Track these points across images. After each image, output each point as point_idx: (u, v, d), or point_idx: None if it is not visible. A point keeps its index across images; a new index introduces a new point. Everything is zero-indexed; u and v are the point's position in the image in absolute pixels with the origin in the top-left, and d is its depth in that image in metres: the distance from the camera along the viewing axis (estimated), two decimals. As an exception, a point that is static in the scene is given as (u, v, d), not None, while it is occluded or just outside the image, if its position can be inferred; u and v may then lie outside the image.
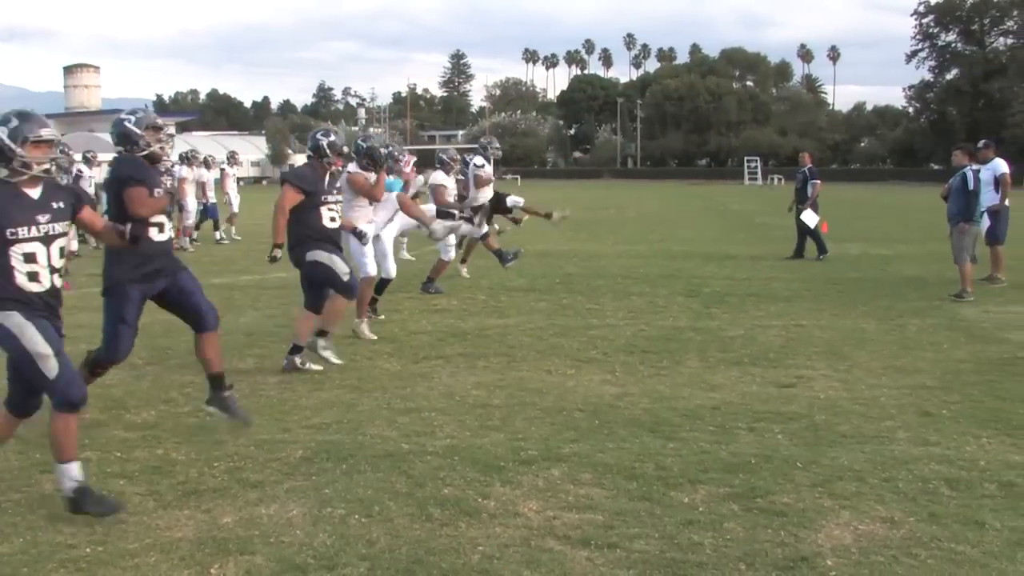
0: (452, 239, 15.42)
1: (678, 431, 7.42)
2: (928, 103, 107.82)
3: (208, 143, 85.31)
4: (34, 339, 5.64)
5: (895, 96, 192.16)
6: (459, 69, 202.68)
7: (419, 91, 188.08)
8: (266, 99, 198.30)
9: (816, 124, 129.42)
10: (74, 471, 5.72)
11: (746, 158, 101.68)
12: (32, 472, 6.51)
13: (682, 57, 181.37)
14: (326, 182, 9.62)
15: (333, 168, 9.77)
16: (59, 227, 5.83)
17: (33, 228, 5.70)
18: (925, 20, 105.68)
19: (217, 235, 26.05)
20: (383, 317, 12.73)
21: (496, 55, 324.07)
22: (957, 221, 14.74)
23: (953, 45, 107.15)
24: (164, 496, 6.05)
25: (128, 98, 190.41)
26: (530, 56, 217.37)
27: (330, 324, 9.83)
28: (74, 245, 17.28)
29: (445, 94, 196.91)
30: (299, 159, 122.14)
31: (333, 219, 9.66)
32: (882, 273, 18.07)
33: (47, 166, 5.82)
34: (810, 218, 20.90)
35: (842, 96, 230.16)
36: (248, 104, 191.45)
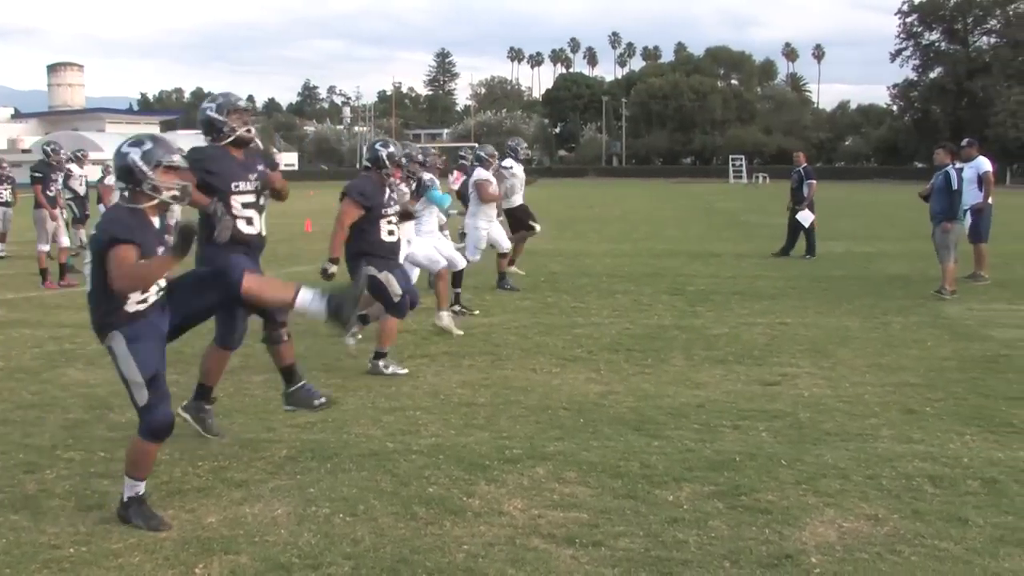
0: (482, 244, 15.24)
1: (663, 429, 7.43)
2: (912, 102, 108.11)
3: (193, 142, 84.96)
4: (133, 368, 5.65)
5: (879, 95, 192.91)
6: (444, 68, 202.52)
7: (404, 90, 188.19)
8: (251, 98, 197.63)
9: (801, 123, 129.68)
10: (140, 488, 5.67)
11: (731, 156, 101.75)
12: (15, 472, 6.49)
13: (667, 56, 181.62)
14: (386, 195, 9.52)
15: (391, 180, 9.67)
16: None
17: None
18: (909, 19, 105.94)
19: None
20: (477, 312, 13.11)
21: (481, 54, 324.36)
22: (940, 220, 14.71)
23: (937, 44, 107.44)
24: (148, 496, 6.02)
25: (112, 96, 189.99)
26: (515, 55, 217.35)
27: (383, 343, 9.68)
28: (65, 241, 17.13)
29: (430, 93, 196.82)
30: (284, 158, 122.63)
31: (391, 232, 9.51)
32: (866, 271, 18.11)
33: (176, 193, 5.75)
34: (805, 218, 20.89)
35: (827, 95, 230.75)
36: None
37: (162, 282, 5.83)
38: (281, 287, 6.22)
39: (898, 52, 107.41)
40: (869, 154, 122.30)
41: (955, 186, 14.67)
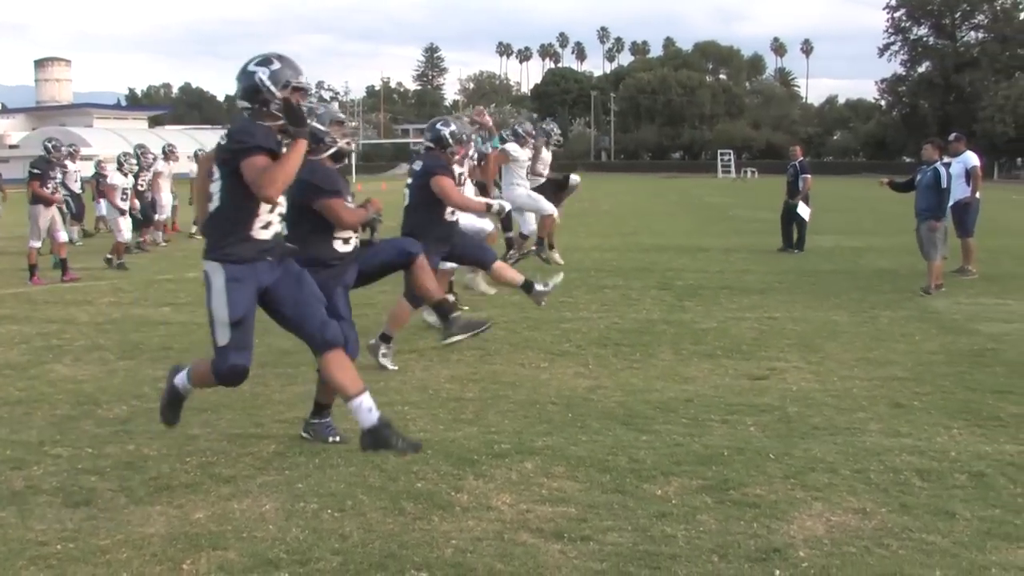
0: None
1: (651, 424, 7.43)
2: (900, 96, 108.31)
3: (181, 137, 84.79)
4: (220, 300, 5.93)
5: (867, 89, 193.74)
6: (433, 63, 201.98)
7: (392, 85, 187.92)
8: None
9: (789, 117, 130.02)
10: (183, 385, 5.91)
11: (719, 151, 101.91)
12: (2, 469, 6.47)
13: (656, 51, 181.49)
14: (456, 174, 9.49)
15: (456, 157, 9.62)
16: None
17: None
18: (897, 14, 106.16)
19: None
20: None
21: (470, 48, 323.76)
22: (926, 217, 14.60)
23: (925, 39, 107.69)
24: (136, 492, 6.01)
25: (100, 92, 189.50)
26: (504, 49, 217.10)
27: (392, 327, 9.67)
28: (63, 236, 17.03)
29: (419, 87, 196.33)
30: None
31: (452, 212, 9.53)
32: (854, 265, 18.14)
33: (345, 144, 5.75)
34: (805, 210, 20.86)
35: (815, 89, 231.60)
36: (221, 98, 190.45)
37: (279, 219, 5.71)
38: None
39: (886, 47, 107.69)
40: (857, 149, 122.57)
41: (944, 184, 14.56)
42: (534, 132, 15.44)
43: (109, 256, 18.55)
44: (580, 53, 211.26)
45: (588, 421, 7.52)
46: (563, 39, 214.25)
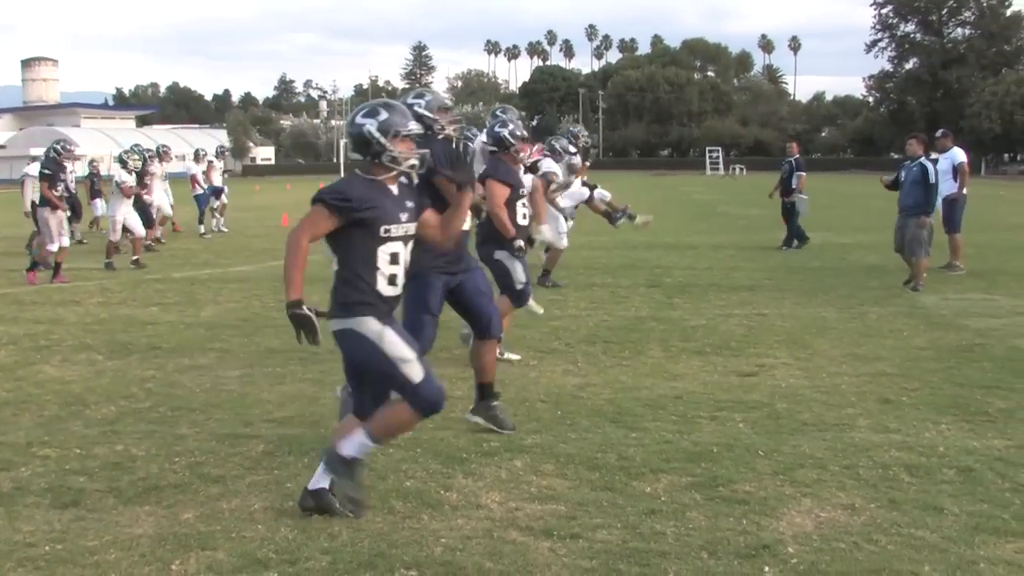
0: (564, 228, 15.05)
1: (640, 421, 7.44)
2: (888, 93, 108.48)
3: (169, 136, 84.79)
4: (394, 343, 5.41)
5: (855, 86, 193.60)
6: (421, 61, 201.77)
7: (381, 83, 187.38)
8: (227, 92, 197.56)
9: (777, 114, 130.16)
10: (367, 448, 5.54)
11: (708, 148, 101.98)
12: (-10, 470, 6.45)
13: (644, 48, 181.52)
14: (520, 175, 9.43)
15: (520, 156, 9.57)
16: (413, 228, 5.58)
17: (400, 227, 5.48)
18: (884, 10, 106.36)
19: (201, 228, 25.70)
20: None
21: (458, 47, 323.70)
22: (915, 214, 14.47)
23: (912, 35, 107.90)
24: (124, 492, 6.00)
25: (87, 91, 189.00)
26: (492, 48, 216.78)
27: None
28: (65, 240, 16.89)
29: (407, 86, 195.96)
30: (260, 152, 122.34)
31: (525, 215, 9.32)
32: (842, 262, 18.17)
33: (414, 163, 5.63)
34: (802, 201, 20.82)
35: (803, 86, 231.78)
36: (209, 97, 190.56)
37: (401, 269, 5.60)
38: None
39: (873, 43, 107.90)
40: (845, 145, 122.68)
41: (932, 179, 14.44)
42: (568, 147, 14.99)
43: (136, 257, 18.36)
44: (568, 51, 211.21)
45: (577, 419, 7.52)
46: (551, 37, 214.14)
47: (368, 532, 5.32)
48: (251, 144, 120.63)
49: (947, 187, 16.60)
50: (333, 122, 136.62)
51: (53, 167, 16.79)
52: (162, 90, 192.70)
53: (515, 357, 9.70)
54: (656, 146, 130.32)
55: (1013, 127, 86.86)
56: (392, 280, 5.47)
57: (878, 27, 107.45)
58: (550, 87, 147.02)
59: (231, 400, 8.25)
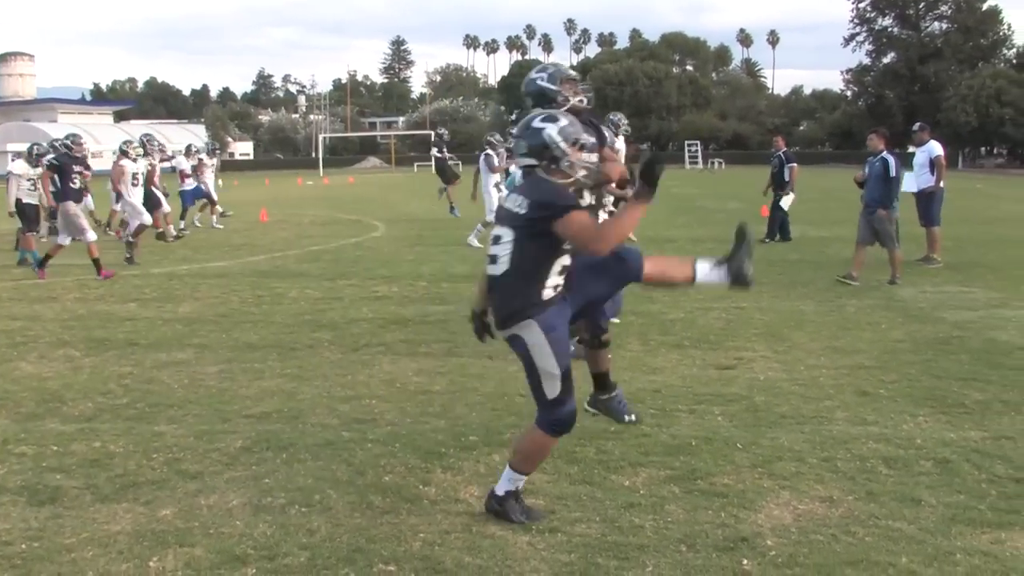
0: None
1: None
2: (866, 86, 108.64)
3: (147, 131, 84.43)
4: (546, 355, 5.40)
5: (833, 80, 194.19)
6: (399, 55, 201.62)
7: (359, 78, 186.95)
8: (205, 87, 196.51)
9: (756, 108, 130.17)
10: (519, 482, 5.49)
11: (687, 142, 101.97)
12: (-34, 467, 6.42)
13: (622, 42, 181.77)
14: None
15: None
16: None
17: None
18: (862, 5, 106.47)
19: (182, 224, 25.48)
20: None
21: (437, 41, 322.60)
22: (875, 208, 14.49)
23: (890, 29, 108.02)
24: (102, 489, 5.98)
25: (64, 86, 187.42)
26: (471, 42, 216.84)
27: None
28: (65, 239, 16.70)
29: (385, 80, 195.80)
30: (239, 147, 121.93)
31: (611, 213, 9.42)
32: (821, 255, 18.21)
33: (587, 174, 5.55)
34: (787, 202, 20.91)
35: (781, 80, 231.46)
36: (187, 92, 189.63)
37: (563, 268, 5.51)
38: (678, 264, 5.91)
39: (851, 37, 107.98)
40: (824, 139, 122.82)
41: (893, 173, 14.43)
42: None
43: (128, 256, 18.16)
44: (547, 45, 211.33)
45: (556, 413, 7.51)
46: (530, 31, 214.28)
47: (347, 527, 5.31)
48: (229, 139, 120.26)
49: (924, 180, 16.69)
50: (312, 117, 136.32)
51: (64, 159, 16.62)
52: (140, 85, 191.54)
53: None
54: (635, 140, 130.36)
55: (989, 120, 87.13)
56: (555, 289, 5.45)
57: (856, 21, 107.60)
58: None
59: (209, 396, 8.22)
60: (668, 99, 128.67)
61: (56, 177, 16.48)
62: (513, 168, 12.84)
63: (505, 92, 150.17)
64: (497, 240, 5.45)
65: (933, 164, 16.91)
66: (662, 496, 5.74)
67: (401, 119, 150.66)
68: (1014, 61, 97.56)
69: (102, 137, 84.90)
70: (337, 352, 9.86)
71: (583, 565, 4.81)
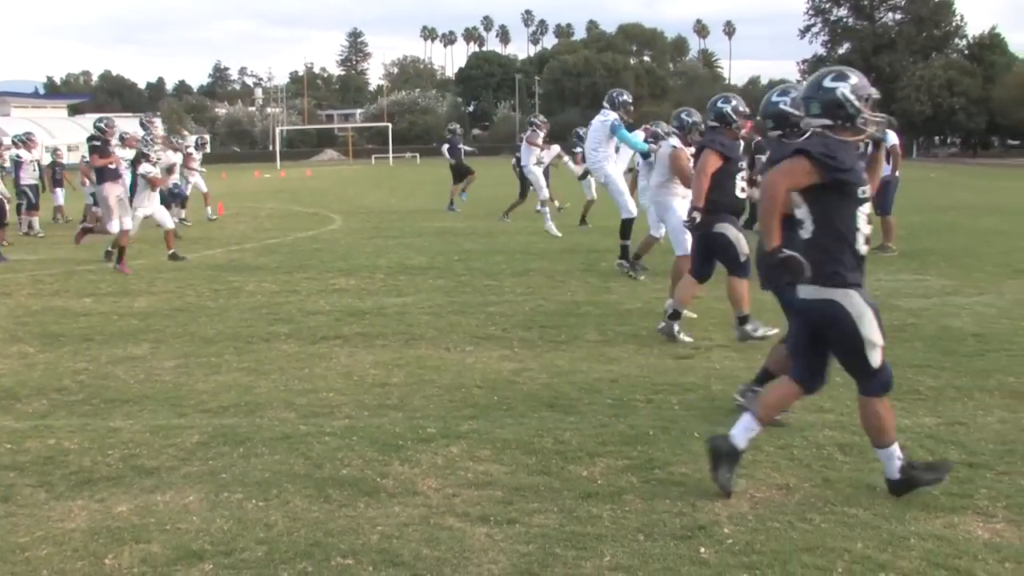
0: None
1: (577, 405, 7.47)
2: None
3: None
4: (872, 325, 5.45)
5: (790, 70, 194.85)
6: (356, 47, 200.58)
7: (316, 70, 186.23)
8: (161, 80, 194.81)
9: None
10: (896, 451, 5.53)
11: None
12: (-83, 466, 6.34)
13: (579, 33, 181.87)
14: (740, 150, 9.45)
15: (743, 133, 9.53)
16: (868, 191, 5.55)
17: (868, 190, 5.51)
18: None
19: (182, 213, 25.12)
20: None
21: (394, 33, 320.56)
22: None
23: (844, 20, 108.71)
24: (56, 487, 5.92)
25: (17, 80, 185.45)
26: (428, 33, 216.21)
27: (740, 307, 9.55)
28: (128, 223, 16.33)
29: (343, 73, 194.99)
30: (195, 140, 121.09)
31: (743, 189, 9.48)
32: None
33: (877, 128, 5.54)
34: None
35: (738, 71, 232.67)
36: (142, 85, 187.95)
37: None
38: None
39: (807, 28, 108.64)
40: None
41: None
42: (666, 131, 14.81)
43: (110, 249, 17.68)
44: (504, 36, 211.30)
45: (514, 404, 7.53)
46: (487, 23, 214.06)
47: (304, 521, 5.29)
48: (186, 132, 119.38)
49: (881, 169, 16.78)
50: (268, 110, 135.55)
51: (102, 139, 16.39)
52: (94, 78, 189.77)
53: (688, 339, 9.70)
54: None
55: (942, 110, 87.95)
56: (866, 241, 5.55)
57: (811, 12, 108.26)
58: (486, 73, 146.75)
59: (165, 391, 8.17)
60: (626, 90, 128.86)
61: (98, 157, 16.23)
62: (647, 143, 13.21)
63: (462, 84, 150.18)
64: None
65: (889, 153, 17.02)
66: (620, 486, 5.75)
67: (359, 111, 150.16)
68: (966, 52, 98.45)
69: (57, 131, 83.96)
70: (294, 345, 9.83)
71: (541, 555, 4.82)
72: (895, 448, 5.54)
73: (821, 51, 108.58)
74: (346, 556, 4.85)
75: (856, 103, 5.42)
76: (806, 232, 5.54)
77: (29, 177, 23.24)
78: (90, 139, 16.55)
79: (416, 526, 5.21)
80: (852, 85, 5.44)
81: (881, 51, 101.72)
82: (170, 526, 5.28)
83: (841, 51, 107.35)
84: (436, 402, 7.65)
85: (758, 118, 8.02)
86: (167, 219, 17.64)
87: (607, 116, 14.27)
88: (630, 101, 14.84)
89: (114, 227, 15.93)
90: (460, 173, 28.83)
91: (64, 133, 76.55)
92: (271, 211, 29.95)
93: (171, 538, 5.11)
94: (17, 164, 22.84)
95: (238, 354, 9.45)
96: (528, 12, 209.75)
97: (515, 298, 12.49)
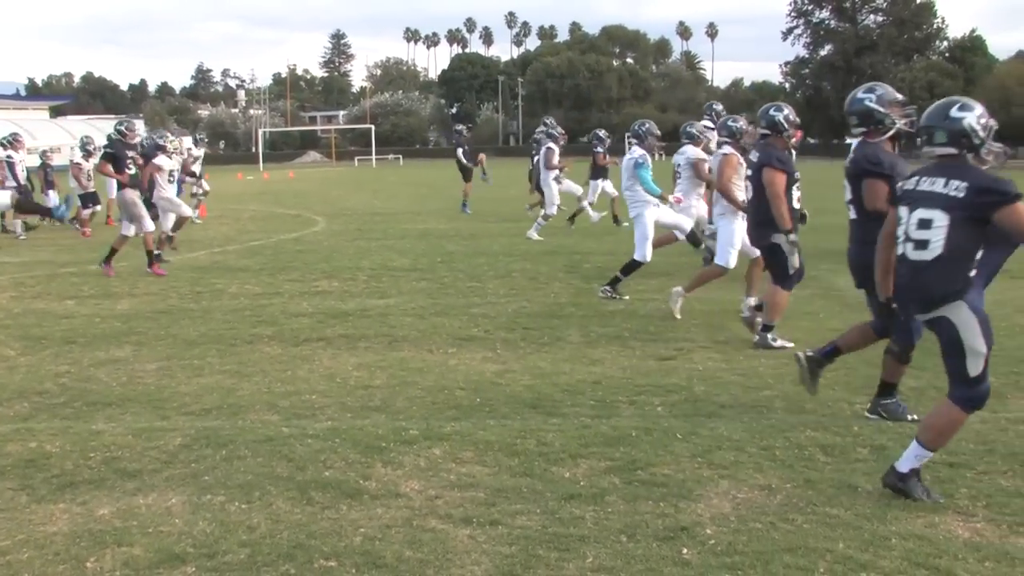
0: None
1: (559, 407, 7.48)
2: (804, 79, 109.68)
3: (84, 127, 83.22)
4: (976, 334, 5.47)
5: (772, 72, 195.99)
6: (340, 49, 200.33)
7: (299, 72, 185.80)
8: (143, 81, 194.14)
9: (696, 100, 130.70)
10: (926, 458, 5.58)
11: (627, 135, 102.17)
12: (-102, 469, 6.31)
13: (563, 35, 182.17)
14: (794, 155, 9.39)
15: (793, 141, 9.54)
16: None
17: None
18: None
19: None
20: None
21: (377, 34, 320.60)
22: None
23: (827, 22, 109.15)
24: (38, 490, 5.90)
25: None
26: (411, 35, 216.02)
27: (772, 316, 9.65)
28: (19, 228, 16.21)
29: (325, 74, 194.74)
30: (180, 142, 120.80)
31: (799, 199, 9.50)
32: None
33: (993, 159, 5.58)
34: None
35: (720, 72, 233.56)
36: (125, 87, 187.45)
37: None
38: None
39: (790, 30, 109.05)
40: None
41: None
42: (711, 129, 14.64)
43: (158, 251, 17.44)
44: (488, 38, 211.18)
45: (496, 406, 7.54)
46: (470, 24, 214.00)
47: (287, 523, 5.29)
48: (169, 135, 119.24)
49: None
50: (251, 111, 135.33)
51: (119, 148, 16.30)
52: (76, 80, 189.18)
53: (789, 345, 9.57)
54: (576, 132, 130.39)
55: (922, 112, 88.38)
56: (974, 271, 5.58)
57: (794, 14, 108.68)
58: (469, 74, 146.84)
59: (148, 393, 8.15)
60: (608, 92, 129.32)
61: (111, 166, 16.16)
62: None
63: (446, 85, 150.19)
64: (927, 224, 5.53)
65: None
66: (602, 487, 5.76)
67: (342, 113, 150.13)
68: (947, 54, 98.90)
69: (38, 133, 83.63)
70: (277, 347, 9.81)
71: (524, 557, 4.82)
72: (928, 456, 5.58)
73: (803, 53, 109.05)
74: (329, 558, 4.85)
75: (981, 133, 5.51)
76: (930, 253, 5.57)
77: (20, 178, 23.13)
78: (107, 146, 16.52)
79: (399, 528, 5.21)
80: (977, 115, 5.54)
81: (863, 53, 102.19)
82: (152, 529, 5.26)
83: (823, 53, 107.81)
84: (419, 404, 7.65)
85: (760, 119, 8.24)
86: (184, 210, 17.81)
87: (632, 153, 13.78)
88: (657, 132, 14.09)
89: (130, 231, 15.91)
90: (469, 173, 28.85)
91: (46, 135, 76.06)
92: (254, 213, 29.89)
93: (153, 541, 5.09)
94: (10, 165, 22.70)
95: (221, 356, 9.44)
96: (511, 14, 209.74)
97: (498, 300, 12.50)
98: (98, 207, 24.77)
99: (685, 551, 4.87)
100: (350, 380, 8.44)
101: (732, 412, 7.28)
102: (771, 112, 9.40)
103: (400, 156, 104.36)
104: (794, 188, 9.38)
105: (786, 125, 9.27)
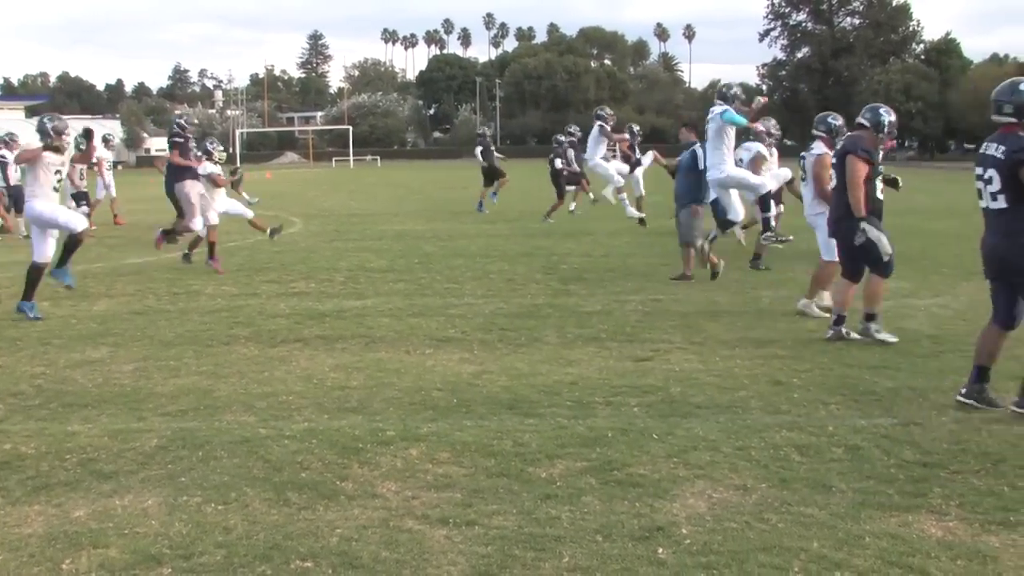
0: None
1: (536, 407, 7.48)
2: (781, 81, 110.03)
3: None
4: None
5: (749, 74, 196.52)
6: (317, 50, 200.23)
7: (277, 72, 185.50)
8: (120, 81, 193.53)
9: (673, 102, 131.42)
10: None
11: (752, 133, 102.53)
12: None
13: (541, 36, 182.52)
14: (880, 155, 9.59)
15: (884, 147, 9.74)
16: None
17: None
18: (777, 0, 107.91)
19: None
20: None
21: (355, 36, 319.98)
22: (687, 202, 14.15)
23: (803, 24, 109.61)
24: (13, 492, 5.87)
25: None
26: (389, 36, 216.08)
27: (872, 304, 9.76)
28: (214, 218, 16.02)
29: (303, 75, 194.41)
30: (155, 143, 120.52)
31: (882, 191, 9.63)
32: (737, 247, 18.35)
33: None
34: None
35: (698, 74, 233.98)
36: (101, 87, 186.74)
37: None
38: None
39: (767, 32, 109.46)
40: (739, 132, 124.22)
41: (701, 166, 14.10)
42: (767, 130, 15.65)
43: (187, 252, 17.05)
44: (466, 39, 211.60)
45: (473, 406, 7.55)
46: (448, 26, 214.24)
47: (263, 524, 5.28)
48: (145, 135, 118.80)
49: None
50: (229, 112, 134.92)
51: (183, 137, 16.15)
52: (52, 80, 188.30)
53: (892, 339, 9.64)
54: (554, 134, 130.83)
55: (899, 114, 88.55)
56: None
57: (771, 16, 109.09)
58: (447, 76, 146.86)
59: (124, 394, 8.12)
60: (586, 93, 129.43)
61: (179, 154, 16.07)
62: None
63: (423, 87, 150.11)
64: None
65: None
66: (579, 487, 5.78)
67: (319, 114, 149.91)
68: (923, 56, 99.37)
69: (14, 132, 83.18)
70: (254, 348, 9.80)
71: (500, 557, 4.83)
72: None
73: (780, 55, 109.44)
74: (305, 559, 4.85)
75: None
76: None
77: (13, 178, 22.97)
78: (171, 136, 16.46)
79: (375, 528, 5.21)
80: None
81: (840, 55, 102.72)
82: (128, 530, 5.25)
83: (800, 55, 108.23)
84: (396, 405, 7.65)
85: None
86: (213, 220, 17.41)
87: (719, 107, 14.15)
88: (742, 95, 15.15)
89: (197, 224, 15.92)
90: (491, 176, 28.90)
91: (22, 135, 75.65)
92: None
93: (129, 542, 5.08)
94: (3, 165, 22.52)
95: (197, 357, 9.41)
96: (489, 15, 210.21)
97: (475, 301, 12.50)
98: (88, 207, 24.49)
99: (661, 551, 4.88)
100: (327, 381, 8.44)
101: (708, 412, 7.30)
102: (881, 112, 9.52)
103: (378, 157, 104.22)
104: (878, 180, 9.57)
105: (887, 128, 9.40)
